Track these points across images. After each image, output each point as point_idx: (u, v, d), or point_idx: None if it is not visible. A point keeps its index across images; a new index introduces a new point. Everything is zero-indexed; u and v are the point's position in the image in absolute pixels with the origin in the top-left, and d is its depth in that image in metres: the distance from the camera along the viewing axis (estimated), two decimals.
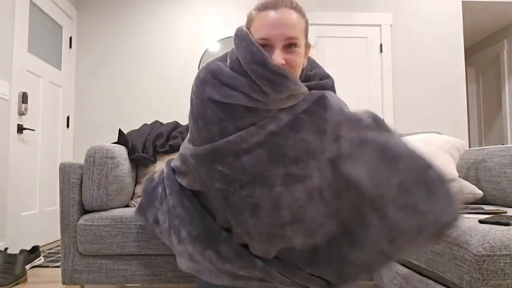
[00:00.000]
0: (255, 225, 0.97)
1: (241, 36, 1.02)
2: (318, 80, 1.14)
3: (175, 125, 2.12)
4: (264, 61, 0.95)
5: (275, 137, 0.98)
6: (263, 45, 0.99)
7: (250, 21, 1.07)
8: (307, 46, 1.08)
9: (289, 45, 1.00)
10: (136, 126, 3.74)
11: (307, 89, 1.04)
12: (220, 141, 0.98)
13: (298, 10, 1.03)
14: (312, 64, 1.18)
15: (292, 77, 0.97)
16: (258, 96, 0.97)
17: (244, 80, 0.98)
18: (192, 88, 1.11)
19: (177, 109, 3.75)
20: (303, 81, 1.05)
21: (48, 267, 2.40)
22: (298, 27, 1.01)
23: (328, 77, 1.17)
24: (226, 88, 1.00)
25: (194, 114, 1.05)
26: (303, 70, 1.07)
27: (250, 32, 1.04)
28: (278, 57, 0.96)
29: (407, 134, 2.26)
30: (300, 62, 1.03)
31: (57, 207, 3.35)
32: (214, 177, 1.00)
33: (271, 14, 1.00)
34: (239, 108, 0.99)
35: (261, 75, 0.95)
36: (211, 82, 1.04)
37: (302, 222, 0.96)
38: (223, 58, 1.08)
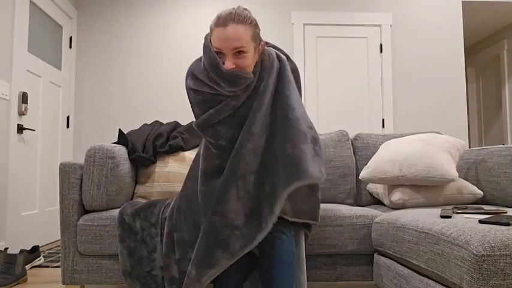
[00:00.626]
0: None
1: (205, 43, 1.32)
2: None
3: (175, 125, 2.12)
4: (217, 66, 1.27)
5: (238, 109, 1.34)
6: (219, 52, 1.29)
7: (211, 32, 1.32)
8: (259, 44, 1.35)
9: (238, 53, 1.27)
10: (136, 126, 3.76)
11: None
12: (200, 118, 1.36)
13: (245, 22, 1.27)
14: (273, 46, 1.51)
15: (242, 74, 1.28)
16: (218, 88, 1.31)
17: (207, 77, 1.32)
18: None
19: (177, 109, 3.76)
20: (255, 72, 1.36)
21: (48, 267, 2.40)
22: (244, 38, 1.26)
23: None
24: (198, 80, 1.35)
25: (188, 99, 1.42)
26: (257, 62, 1.36)
27: (210, 41, 1.31)
28: (228, 63, 1.27)
29: (408, 134, 2.26)
30: (249, 62, 1.30)
31: (57, 207, 3.35)
32: (207, 145, 1.38)
33: (221, 30, 1.26)
34: (208, 94, 1.34)
35: (217, 75, 1.28)
36: (190, 76, 1.38)
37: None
38: (201, 58, 1.38)
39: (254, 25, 1.30)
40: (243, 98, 1.34)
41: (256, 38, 1.31)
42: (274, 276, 1.19)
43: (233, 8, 1.30)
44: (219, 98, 1.33)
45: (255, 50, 1.32)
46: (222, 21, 1.27)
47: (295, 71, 1.45)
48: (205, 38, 1.33)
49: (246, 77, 1.29)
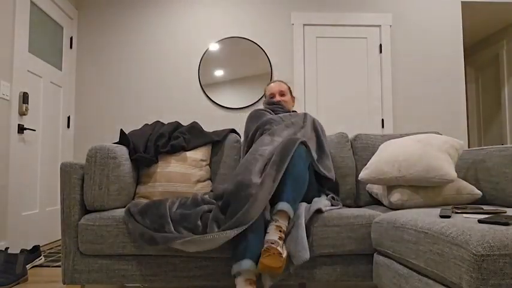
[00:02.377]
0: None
1: (268, 100, 2.36)
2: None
3: (177, 125, 2.12)
4: (272, 100, 2.33)
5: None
6: (271, 95, 2.34)
7: (265, 89, 2.41)
8: (293, 97, 2.42)
9: (281, 94, 2.33)
10: (136, 126, 3.76)
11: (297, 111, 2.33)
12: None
13: (284, 82, 2.40)
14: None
15: (284, 105, 2.31)
16: (272, 114, 2.21)
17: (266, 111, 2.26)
18: None
19: (177, 109, 3.76)
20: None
21: (48, 266, 2.41)
22: (284, 87, 2.36)
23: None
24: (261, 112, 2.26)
25: None
26: (292, 106, 2.40)
27: (265, 94, 2.41)
28: (277, 98, 2.33)
29: (407, 134, 2.26)
30: (288, 100, 2.35)
31: (58, 207, 3.35)
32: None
33: (272, 84, 2.38)
34: (267, 119, 2.11)
35: (271, 106, 2.29)
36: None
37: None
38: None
39: (288, 86, 2.41)
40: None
41: (291, 92, 2.41)
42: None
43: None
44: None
45: (291, 98, 2.38)
46: (272, 82, 2.41)
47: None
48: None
49: (284, 107, 2.29)
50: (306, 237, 1.51)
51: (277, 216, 1.51)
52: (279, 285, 2.01)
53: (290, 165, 1.60)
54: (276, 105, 2.26)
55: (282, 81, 2.39)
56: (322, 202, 1.71)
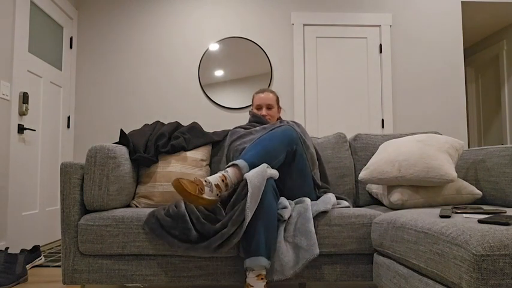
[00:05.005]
0: None
1: (252, 112, 2.28)
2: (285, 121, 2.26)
3: (177, 125, 2.13)
4: (258, 115, 2.24)
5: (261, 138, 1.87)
6: (258, 107, 2.28)
7: (253, 98, 2.33)
8: (279, 108, 2.34)
9: (268, 108, 2.26)
10: (136, 126, 3.76)
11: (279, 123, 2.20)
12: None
13: (273, 92, 2.32)
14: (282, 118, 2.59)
15: (267, 121, 2.22)
16: (255, 127, 2.18)
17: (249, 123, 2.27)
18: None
19: (177, 109, 3.76)
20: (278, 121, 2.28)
21: (48, 266, 2.41)
22: (272, 99, 2.28)
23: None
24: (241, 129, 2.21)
25: None
26: (278, 118, 2.33)
27: (253, 102, 2.32)
28: (263, 112, 2.25)
29: (407, 134, 2.27)
30: (274, 115, 2.28)
31: (58, 207, 3.35)
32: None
33: (260, 95, 2.29)
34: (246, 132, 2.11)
35: (256, 119, 2.23)
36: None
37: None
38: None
39: (277, 95, 2.34)
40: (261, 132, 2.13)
41: (278, 102, 2.33)
42: None
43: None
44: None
45: (278, 110, 2.32)
46: (260, 91, 2.31)
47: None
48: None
49: (268, 122, 2.21)
50: (314, 232, 1.53)
51: (229, 169, 1.56)
52: (279, 285, 2.01)
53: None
54: (258, 119, 2.22)
55: (271, 92, 2.31)
56: (330, 200, 1.71)
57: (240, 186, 1.53)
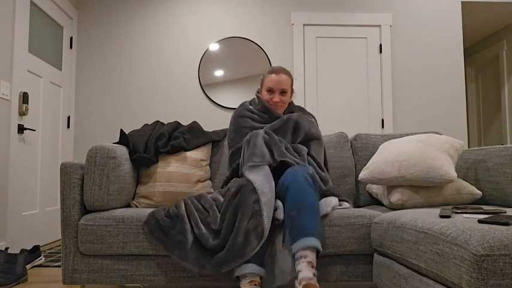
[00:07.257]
0: None
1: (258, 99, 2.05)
2: (298, 109, 2.14)
3: (177, 125, 2.12)
4: (269, 108, 1.99)
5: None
6: (270, 90, 1.97)
7: (264, 78, 2.02)
8: (292, 91, 2.06)
9: (282, 92, 1.98)
10: (136, 126, 3.76)
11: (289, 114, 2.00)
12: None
13: (288, 74, 2.01)
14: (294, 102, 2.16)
15: (277, 109, 2.00)
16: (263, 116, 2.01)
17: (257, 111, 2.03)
18: None
19: (177, 109, 3.76)
20: (288, 108, 2.08)
21: (48, 266, 2.41)
22: (287, 83, 1.98)
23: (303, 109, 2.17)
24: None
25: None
26: (290, 103, 2.07)
27: (263, 83, 2.02)
28: (276, 98, 1.97)
29: (407, 134, 2.26)
30: (287, 100, 2.01)
31: (58, 207, 3.35)
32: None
33: (274, 76, 1.97)
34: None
35: (265, 110, 1.98)
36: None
37: None
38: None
39: (292, 77, 2.03)
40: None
41: (292, 85, 2.04)
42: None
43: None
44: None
45: (291, 94, 2.05)
46: (274, 70, 1.99)
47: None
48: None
49: (277, 112, 1.99)
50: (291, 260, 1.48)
51: (307, 252, 1.42)
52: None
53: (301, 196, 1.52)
54: (268, 111, 1.96)
55: (285, 73, 1.97)
56: (331, 203, 1.69)
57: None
